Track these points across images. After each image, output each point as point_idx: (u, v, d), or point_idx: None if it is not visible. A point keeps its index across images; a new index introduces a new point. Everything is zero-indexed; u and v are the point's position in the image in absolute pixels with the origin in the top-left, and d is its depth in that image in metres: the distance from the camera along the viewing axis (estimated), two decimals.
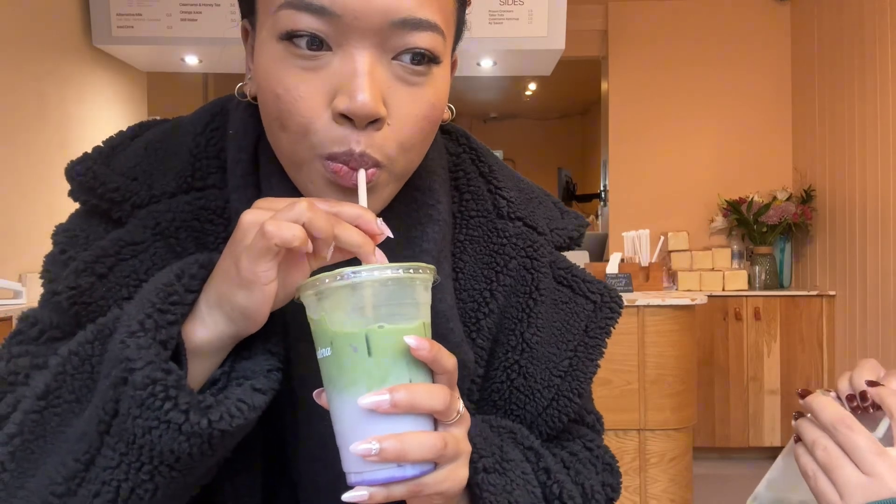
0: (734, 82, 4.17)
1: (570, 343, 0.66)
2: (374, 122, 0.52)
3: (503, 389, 0.64)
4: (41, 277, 0.60)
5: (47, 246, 0.60)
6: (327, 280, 0.46)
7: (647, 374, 2.51)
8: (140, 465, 0.46)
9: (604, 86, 4.39)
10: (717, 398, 3.74)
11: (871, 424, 0.63)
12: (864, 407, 0.64)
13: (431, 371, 0.48)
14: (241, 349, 0.52)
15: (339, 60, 0.51)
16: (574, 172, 6.68)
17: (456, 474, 0.49)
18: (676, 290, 3.79)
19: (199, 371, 0.50)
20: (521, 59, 3.50)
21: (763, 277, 3.94)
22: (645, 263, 3.01)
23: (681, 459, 2.56)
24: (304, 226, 0.46)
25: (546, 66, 3.61)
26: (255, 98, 0.59)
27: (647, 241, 3.04)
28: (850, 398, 0.65)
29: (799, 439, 0.66)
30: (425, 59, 0.53)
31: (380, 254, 0.49)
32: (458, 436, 0.49)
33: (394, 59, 0.52)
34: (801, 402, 0.66)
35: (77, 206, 0.61)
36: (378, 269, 0.46)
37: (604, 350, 0.66)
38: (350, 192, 0.53)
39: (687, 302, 2.54)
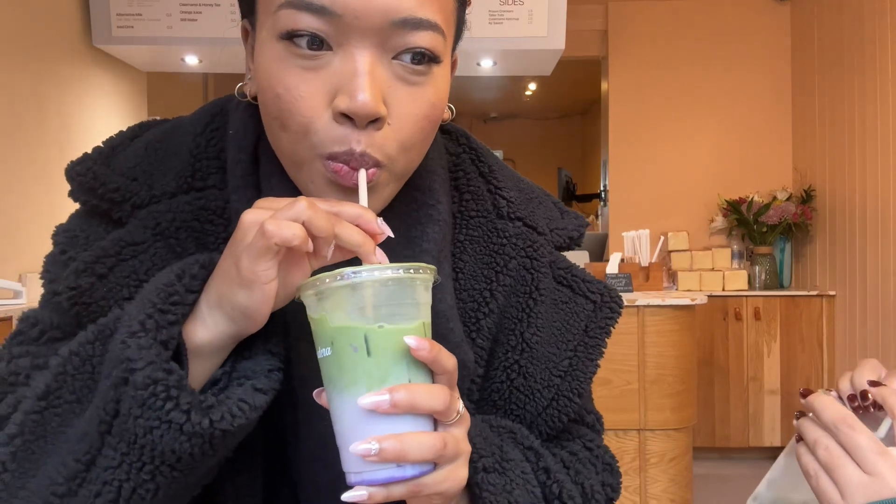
0: (734, 82, 4.17)
1: (570, 343, 0.65)
2: (375, 121, 0.52)
3: (503, 389, 0.64)
4: (41, 278, 0.60)
5: (47, 246, 0.60)
6: (327, 280, 0.46)
7: (647, 374, 2.51)
8: (141, 465, 0.46)
9: (604, 86, 4.39)
10: (717, 398, 3.74)
11: (873, 424, 0.63)
12: (865, 406, 0.64)
13: (431, 371, 0.48)
14: (242, 349, 0.52)
15: (340, 60, 0.51)
16: (574, 172, 6.67)
17: (455, 474, 0.49)
18: (676, 290, 3.78)
19: (199, 371, 0.50)
20: (521, 59, 3.50)
21: (763, 277, 3.94)
22: (645, 263, 3.01)
23: (681, 459, 2.56)
24: (304, 225, 0.46)
25: (546, 66, 3.61)
26: (255, 98, 0.59)
27: (647, 241, 3.04)
28: (852, 398, 0.65)
29: (800, 439, 0.66)
30: (425, 58, 0.53)
31: (380, 253, 0.49)
32: (457, 436, 0.49)
33: (394, 58, 0.52)
34: (802, 401, 0.66)
35: (77, 206, 0.61)
36: (378, 269, 0.46)
37: (604, 350, 0.66)
38: (350, 192, 0.53)
39: (687, 302, 2.54)
